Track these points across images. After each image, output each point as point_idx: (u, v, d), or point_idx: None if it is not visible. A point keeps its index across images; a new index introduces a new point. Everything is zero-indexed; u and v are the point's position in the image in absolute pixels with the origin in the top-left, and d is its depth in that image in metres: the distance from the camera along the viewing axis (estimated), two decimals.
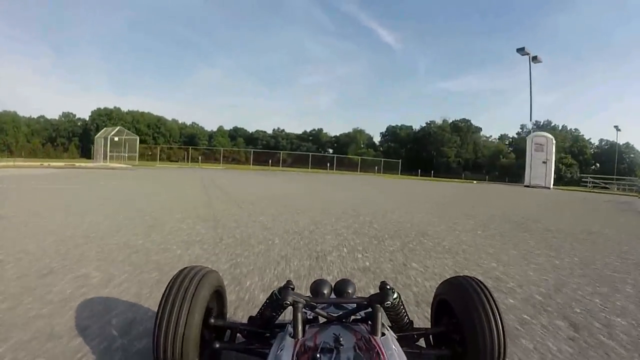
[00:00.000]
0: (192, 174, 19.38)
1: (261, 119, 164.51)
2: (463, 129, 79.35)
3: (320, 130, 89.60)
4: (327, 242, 3.77)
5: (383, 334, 1.01)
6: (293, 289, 1.16)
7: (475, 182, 32.88)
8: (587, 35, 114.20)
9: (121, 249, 3.10)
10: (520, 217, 6.65)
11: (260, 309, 1.26)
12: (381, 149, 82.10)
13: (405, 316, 1.27)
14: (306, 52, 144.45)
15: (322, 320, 1.17)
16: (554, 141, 27.89)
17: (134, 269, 2.57)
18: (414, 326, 1.36)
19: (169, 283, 1.17)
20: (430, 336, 1.39)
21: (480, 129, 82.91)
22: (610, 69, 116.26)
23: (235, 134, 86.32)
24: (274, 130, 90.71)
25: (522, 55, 34.24)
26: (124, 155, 38.34)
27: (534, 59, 34.45)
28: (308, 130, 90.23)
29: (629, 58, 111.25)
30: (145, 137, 70.41)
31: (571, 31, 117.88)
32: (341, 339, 0.95)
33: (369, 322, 1.08)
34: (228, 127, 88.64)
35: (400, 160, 53.38)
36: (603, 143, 77.56)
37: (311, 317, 1.20)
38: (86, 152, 60.85)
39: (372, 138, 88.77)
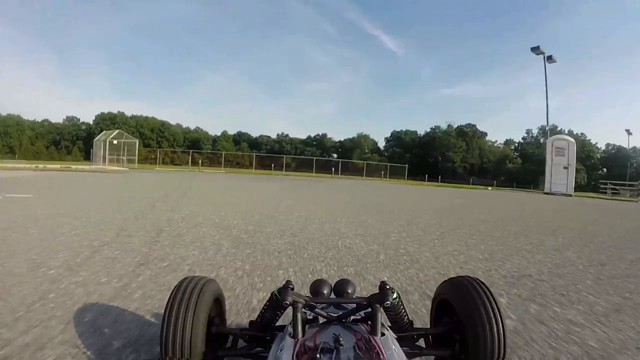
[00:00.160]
0: (179, 179, 17.14)
1: (265, 124, 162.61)
2: (469, 134, 77.25)
3: (325, 135, 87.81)
4: None
5: (383, 334, 0.99)
6: (293, 289, 1.13)
7: (489, 188, 30.59)
8: (591, 39, 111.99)
9: None
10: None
11: (261, 311, 1.24)
12: (386, 154, 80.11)
13: (405, 316, 1.25)
14: (310, 59, 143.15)
15: (321, 320, 1.15)
16: (575, 145, 25.79)
17: None
18: (414, 326, 1.32)
19: (171, 293, 1.17)
20: (430, 336, 1.36)
21: (486, 134, 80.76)
22: (615, 72, 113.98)
23: (240, 139, 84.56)
24: (278, 135, 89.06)
25: (537, 54, 32.11)
26: (123, 159, 36.54)
27: (549, 58, 32.34)
28: (312, 135, 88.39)
29: (635, 59, 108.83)
30: (149, 141, 69.39)
31: (574, 35, 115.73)
32: (341, 339, 0.93)
33: (369, 322, 1.06)
34: (232, 132, 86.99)
35: (407, 165, 51.18)
36: (610, 147, 75.26)
37: (311, 317, 1.17)
38: (90, 156, 59.38)
39: (376, 143, 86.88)
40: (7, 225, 4.09)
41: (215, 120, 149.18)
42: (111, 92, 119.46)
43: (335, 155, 76.11)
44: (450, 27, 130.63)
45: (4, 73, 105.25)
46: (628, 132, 55.30)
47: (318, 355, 0.85)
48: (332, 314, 1.14)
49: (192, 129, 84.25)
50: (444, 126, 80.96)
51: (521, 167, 69.63)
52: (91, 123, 69.99)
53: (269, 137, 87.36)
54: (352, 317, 1.14)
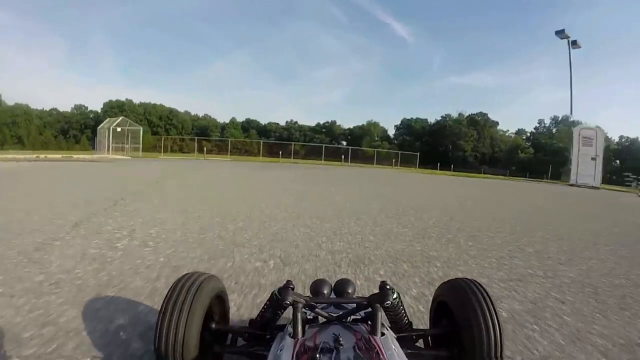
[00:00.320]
0: (172, 168, 15.61)
1: (274, 111, 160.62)
2: (480, 123, 74.69)
3: (334, 122, 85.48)
4: None
5: (383, 334, 0.99)
6: (293, 288, 1.12)
7: (511, 178, 28.44)
8: (603, 30, 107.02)
9: None
10: None
11: (261, 310, 1.23)
12: (396, 142, 77.73)
13: (404, 316, 1.24)
14: (320, 46, 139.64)
15: (322, 320, 1.14)
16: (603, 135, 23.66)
17: None
18: (413, 327, 1.32)
19: (169, 289, 1.16)
20: (429, 337, 1.36)
21: (497, 123, 77.93)
22: (627, 63, 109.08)
23: (248, 126, 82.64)
24: (287, 122, 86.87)
25: (562, 38, 29.70)
26: (127, 147, 34.98)
27: (574, 43, 29.89)
28: (321, 123, 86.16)
29: None
30: (157, 129, 67.94)
31: (586, 26, 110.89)
32: (341, 338, 0.92)
33: (369, 322, 1.05)
34: (241, 119, 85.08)
35: (418, 154, 48.98)
36: (623, 140, 72.16)
37: (311, 317, 1.17)
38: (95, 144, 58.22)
39: (386, 131, 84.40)
40: None
41: (223, 108, 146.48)
42: (119, 79, 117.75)
43: (344, 143, 73.92)
44: (461, 15, 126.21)
45: (12, 63, 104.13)
46: None
47: (318, 355, 0.84)
48: (332, 314, 1.13)
49: (200, 116, 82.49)
50: (454, 114, 78.48)
51: (533, 157, 67.20)
52: (99, 111, 68.56)
53: (278, 124, 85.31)
54: (352, 317, 1.12)
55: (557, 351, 1.82)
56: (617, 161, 67.22)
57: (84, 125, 67.87)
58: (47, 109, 70.79)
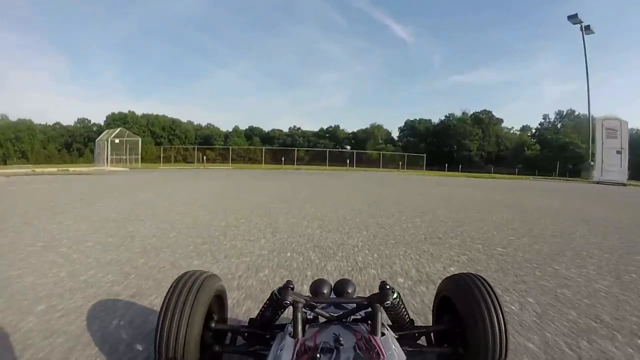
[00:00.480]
0: (155, 179, 13.68)
1: (277, 118, 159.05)
2: (484, 121, 72.56)
3: (337, 127, 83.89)
4: None
5: (383, 334, 0.97)
6: (293, 288, 1.10)
7: (530, 178, 26.41)
8: (608, 22, 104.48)
9: None
10: None
11: (261, 309, 1.21)
12: (400, 144, 75.79)
13: (405, 316, 1.21)
14: (320, 51, 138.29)
15: (322, 320, 1.12)
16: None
17: None
18: (415, 324, 1.29)
19: (170, 287, 1.13)
20: (432, 334, 1.32)
21: (502, 120, 75.71)
22: (634, 56, 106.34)
23: (251, 134, 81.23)
24: (290, 128, 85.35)
25: (574, 23, 27.80)
26: (125, 158, 33.43)
27: (587, 28, 27.90)
28: (325, 127, 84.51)
29: None
30: (161, 139, 66.95)
31: (591, 18, 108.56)
32: (341, 338, 0.91)
33: (369, 322, 1.03)
34: (244, 127, 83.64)
35: (425, 155, 47.02)
36: (633, 132, 69.42)
37: (311, 317, 1.14)
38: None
39: (390, 133, 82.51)
40: None
41: (226, 116, 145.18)
42: (122, 92, 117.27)
43: (348, 147, 72.06)
44: (460, 13, 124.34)
45: (15, 80, 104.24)
46: None
47: (318, 355, 0.83)
48: (332, 314, 1.11)
49: (203, 125, 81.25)
50: (458, 114, 76.44)
51: (540, 154, 64.84)
52: (102, 124, 67.58)
53: (281, 130, 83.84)
54: (352, 317, 1.11)
55: None
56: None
57: (87, 138, 67.02)
58: (51, 124, 70.56)
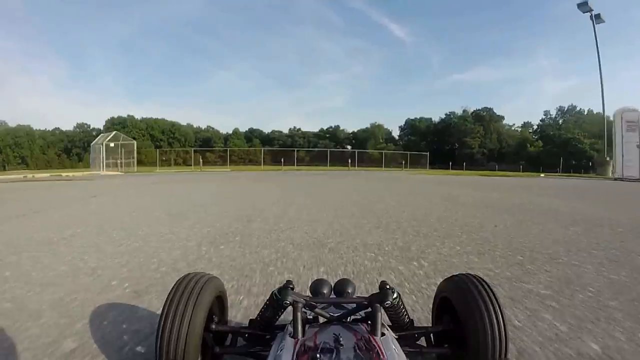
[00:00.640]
0: (119, 187, 12.07)
1: (277, 120, 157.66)
2: (485, 118, 70.87)
3: (338, 127, 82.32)
4: None
5: (383, 334, 0.95)
6: (293, 288, 1.09)
7: (542, 175, 24.75)
8: (612, 15, 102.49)
9: None
10: None
11: (260, 310, 1.19)
12: (401, 143, 74.17)
13: (405, 316, 1.20)
14: (319, 52, 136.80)
15: (322, 320, 1.10)
16: None
17: None
18: (415, 325, 1.28)
19: (172, 289, 1.12)
20: (432, 334, 1.29)
21: (503, 117, 73.97)
22: (635, 49, 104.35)
23: (251, 135, 79.69)
24: (290, 129, 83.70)
25: (584, 12, 26.09)
26: (119, 162, 31.98)
27: (597, 17, 26.22)
28: (325, 128, 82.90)
29: None
30: (160, 142, 65.59)
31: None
32: (341, 339, 0.90)
33: (369, 322, 1.01)
34: (243, 129, 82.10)
35: (428, 153, 45.38)
36: None
37: (311, 317, 1.12)
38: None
39: (390, 132, 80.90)
40: None
41: (226, 119, 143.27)
42: (120, 96, 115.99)
43: (349, 147, 70.38)
44: (457, 11, 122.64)
45: (14, 86, 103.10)
46: None
47: (318, 355, 0.82)
48: (332, 314, 1.10)
49: (203, 128, 79.76)
50: (458, 112, 74.73)
51: (542, 151, 63.06)
52: (101, 128, 66.27)
53: (281, 132, 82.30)
54: (352, 317, 1.09)
55: None
56: None
57: (87, 143, 65.66)
58: (50, 129, 69.41)
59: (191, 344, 1.02)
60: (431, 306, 1.45)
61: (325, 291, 1.28)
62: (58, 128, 69.58)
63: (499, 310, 1.07)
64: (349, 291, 1.29)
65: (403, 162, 41.97)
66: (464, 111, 74.01)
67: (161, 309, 1.06)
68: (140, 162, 44.15)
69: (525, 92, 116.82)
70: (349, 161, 39.07)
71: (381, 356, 0.82)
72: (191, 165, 45.28)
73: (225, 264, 2.55)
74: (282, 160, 36.22)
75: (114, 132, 34.24)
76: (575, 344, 1.44)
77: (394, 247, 3.06)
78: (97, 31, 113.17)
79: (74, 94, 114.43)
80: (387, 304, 1.04)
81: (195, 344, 1.03)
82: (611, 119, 21.36)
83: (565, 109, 73.14)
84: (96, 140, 34.31)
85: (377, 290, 1.10)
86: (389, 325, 1.14)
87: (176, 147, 62.57)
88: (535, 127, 75.38)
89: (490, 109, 72.81)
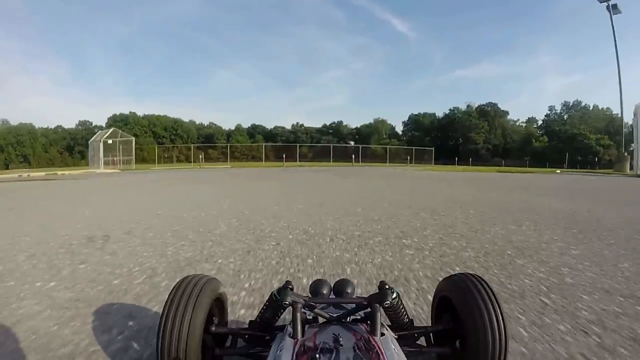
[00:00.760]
0: (103, 188, 10.84)
1: (280, 116, 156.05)
2: (490, 114, 69.25)
3: (340, 122, 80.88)
4: None
5: (382, 334, 0.94)
6: (292, 289, 1.08)
7: (558, 171, 23.40)
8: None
9: None
10: None
11: (260, 311, 1.18)
12: (404, 138, 72.68)
13: (405, 316, 1.19)
14: (321, 48, 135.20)
15: (321, 320, 1.09)
16: None
17: None
18: (415, 325, 1.26)
19: (171, 291, 1.11)
20: (431, 334, 1.28)
21: (507, 112, 72.27)
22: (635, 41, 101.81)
23: (254, 132, 78.44)
24: (293, 125, 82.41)
25: (601, 2, 24.54)
26: (117, 159, 30.89)
27: (614, 7, 24.68)
28: (328, 124, 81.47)
29: None
30: (163, 139, 64.65)
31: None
32: (340, 339, 0.89)
33: (368, 322, 1.00)
34: (246, 125, 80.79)
35: (433, 149, 43.95)
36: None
37: (310, 318, 1.10)
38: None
39: (394, 128, 79.38)
40: None
41: (228, 116, 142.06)
42: (123, 93, 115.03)
43: (352, 143, 69.01)
44: (459, 7, 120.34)
45: (16, 84, 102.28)
46: None
47: (318, 356, 0.81)
48: (331, 314, 1.08)
49: (205, 124, 78.52)
50: (462, 107, 73.15)
51: (548, 146, 61.45)
52: (104, 126, 65.28)
53: (284, 128, 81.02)
54: (351, 317, 1.07)
55: None
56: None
57: (89, 140, 65.15)
58: (52, 127, 68.59)
59: (191, 345, 1.01)
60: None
61: (324, 291, 1.25)
62: (60, 126, 68.88)
63: (498, 309, 1.05)
64: (349, 291, 1.26)
65: (408, 158, 40.55)
66: (468, 106, 72.63)
67: (161, 311, 1.04)
68: (143, 159, 43.19)
69: (530, 88, 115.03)
70: (353, 157, 37.76)
71: (381, 356, 0.81)
72: (193, 161, 44.35)
73: None
74: (284, 156, 34.93)
75: (112, 129, 33.12)
76: None
77: None
78: (99, 31, 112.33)
79: (76, 92, 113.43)
80: (386, 304, 1.02)
81: (195, 345, 1.02)
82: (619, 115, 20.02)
83: (571, 104, 71.65)
84: (94, 137, 33.22)
85: (377, 291, 1.08)
86: (388, 325, 1.12)
87: (179, 144, 61.55)
88: (540, 122, 73.83)
89: (495, 104, 71.29)
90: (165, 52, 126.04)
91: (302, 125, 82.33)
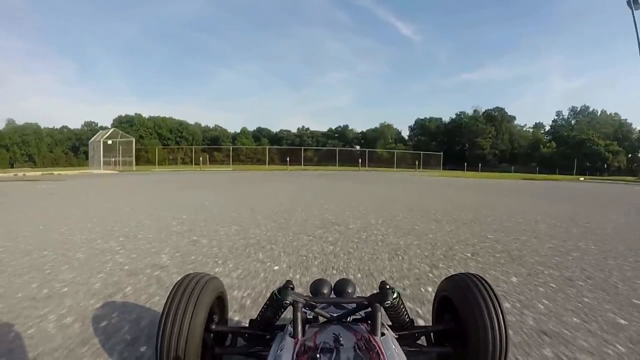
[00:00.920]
0: (86, 191, 9.54)
1: (285, 119, 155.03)
2: (497, 118, 67.47)
3: (346, 126, 79.49)
4: None
5: (383, 334, 0.94)
6: (293, 288, 1.07)
7: (582, 179, 21.72)
8: (617, 17, 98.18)
9: None
10: None
11: (261, 310, 1.17)
12: (410, 143, 71.08)
13: (405, 315, 1.18)
14: (326, 51, 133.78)
15: (322, 320, 1.08)
16: None
17: None
18: (415, 325, 1.26)
19: (172, 289, 1.10)
20: (432, 334, 1.28)
21: (515, 117, 70.48)
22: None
23: (259, 135, 77.12)
24: (298, 129, 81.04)
25: None
26: (118, 160, 29.68)
27: (634, 2, 23.10)
28: (333, 128, 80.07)
29: None
30: (168, 141, 63.76)
31: (601, 10, 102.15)
32: (341, 338, 0.88)
33: (369, 322, 0.99)
34: (252, 128, 79.57)
35: (441, 154, 42.34)
36: None
37: (311, 317, 1.10)
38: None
39: (400, 132, 77.79)
40: None
41: (234, 117, 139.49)
42: (128, 94, 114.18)
43: (358, 147, 67.41)
44: (464, 9, 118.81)
45: (22, 84, 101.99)
46: None
47: (318, 355, 0.80)
48: (332, 314, 1.08)
49: (211, 127, 77.38)
50: (469, 111, 71.41)
51: (556, 152, 59.54)
52: (109, 127, 64.41)
53: (289, 131, 79.63)
54: (352, 317, 1.07)
55: None
56: None
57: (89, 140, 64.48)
58: (58, 127, 67.82)
59: (191, 344, 1.00)
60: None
61: (325, 291, 1.24)
62: (66, 126, 68.17)
63: (499, 309, 1.05)
64: (349, 291, 1.24)
65: (416, 163, 38.96)
66: (474, 111, 70.93)
67: (161, 309, 1.04)
68: (147, 161, 42.10)
69: (536, 92, 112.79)
70: (359, 161, 36.26)
71: (381, 356, 0.80)
72: (197, 164, 43.07)
73: None
74: (288, 159, 33.47)
75: (112, 129, 31.96)
76: None
77: None
78: (105, 30, 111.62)
79: (82, 92, 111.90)
80: (387, 303, 1.01)
81: (195, 344, 1.01)
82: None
83: (578, 110, 69.80)
84: (94, 137, 32.07)
85: (377, 290, 1.07)
86: (389, 325, 1.12)
87: (184, 146, 60.42)
88: (547, 127, 72.03)
89: (502, 109, 69.53)
90: (169, 52, 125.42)
91: (307, 128, 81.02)
